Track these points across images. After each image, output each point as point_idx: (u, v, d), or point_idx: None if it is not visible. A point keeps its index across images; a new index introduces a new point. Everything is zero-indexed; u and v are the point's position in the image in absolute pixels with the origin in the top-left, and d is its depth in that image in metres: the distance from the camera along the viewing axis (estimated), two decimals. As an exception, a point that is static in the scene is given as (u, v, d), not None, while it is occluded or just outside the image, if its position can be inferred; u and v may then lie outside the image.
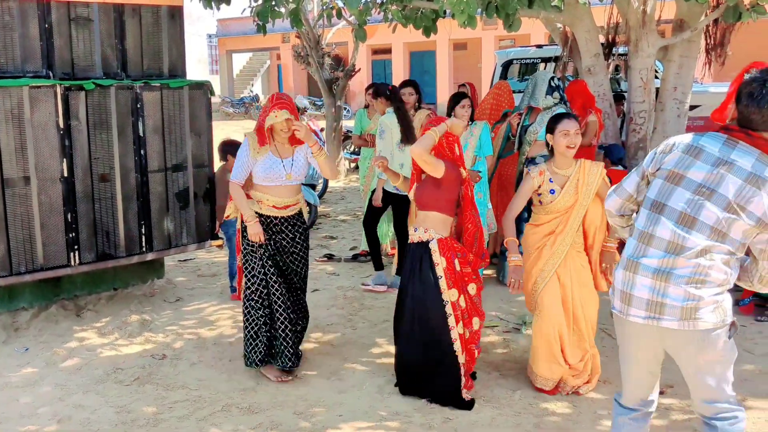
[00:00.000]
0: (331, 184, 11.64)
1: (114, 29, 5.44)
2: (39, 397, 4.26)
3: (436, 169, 3.94)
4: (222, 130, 21.36)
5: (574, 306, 4.02)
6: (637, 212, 2.86)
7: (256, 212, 4.40)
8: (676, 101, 6.85)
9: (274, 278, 4.40)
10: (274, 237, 4.45)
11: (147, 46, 5.64)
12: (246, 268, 4.46)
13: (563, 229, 4.01)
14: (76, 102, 5.17)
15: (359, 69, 13.55)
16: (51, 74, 5.12)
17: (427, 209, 4.11)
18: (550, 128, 4.02)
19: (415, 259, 4.11)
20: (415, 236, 4.15)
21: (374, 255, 6.43)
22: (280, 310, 4.41)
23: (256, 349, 4.42)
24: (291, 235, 4.50)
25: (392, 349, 4.78)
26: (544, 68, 12.06)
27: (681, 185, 2.59)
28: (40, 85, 4.99)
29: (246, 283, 4.46)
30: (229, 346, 5.00)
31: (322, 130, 12.41)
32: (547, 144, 4.06)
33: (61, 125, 5.11)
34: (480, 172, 5.87)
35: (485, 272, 6.45)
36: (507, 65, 12.69)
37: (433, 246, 4.04)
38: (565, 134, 3.94)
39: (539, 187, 4.06)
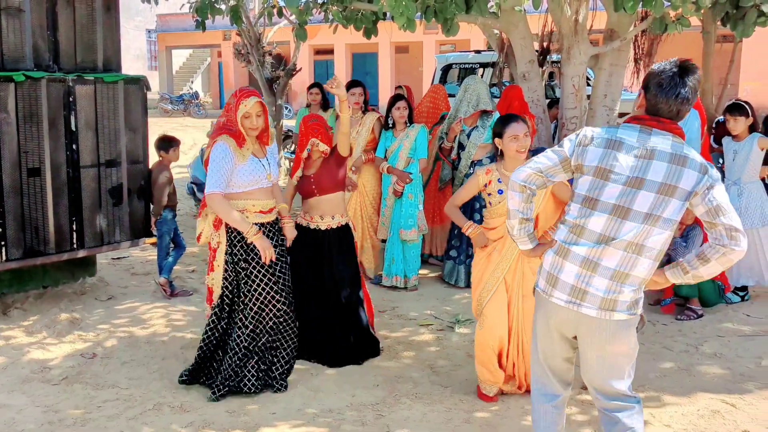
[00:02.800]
0: (270, 183, 11.58)
1: (46, 20, 5.33)
2: (-39, 397, 4.14)
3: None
4: (160, 127, 20.97)
5: (518, 316, 4.00)
6: (536, 194, 2.91)
7: None
8: (606, 108, 7.08)
9: (266, 295, 4.12)
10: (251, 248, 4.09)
11: (81, 38, 5.53)
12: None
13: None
14: (5, 94, 5.03)
15: (300, 68, 13.50)
16: (-22, 65, 4.98)
17: (331, 192, 4.59)
18: (498, 132, 3.98)
19: (334, 242, 4.63)
20: (333, 223, 4.63)
21: None
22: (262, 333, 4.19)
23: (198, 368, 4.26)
24: (276, 242, 4.20)
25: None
26: (482, 73, 12.31)
27: (610, 180, 2.69)
28: (-33, 76, 4.85)
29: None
30: (162, 345, 4.95)
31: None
32: (496, 148, 4.04)
33: (-11, 118, 4.97)
34: (411, 174, 5.96)
35: (421, 272, 6.54)
36: (446, 69, 12.89)
37: (350, 224, 4.75)
38: (515, 138, 3.91)
39: (486, 186, 4.04)
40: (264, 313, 4.15)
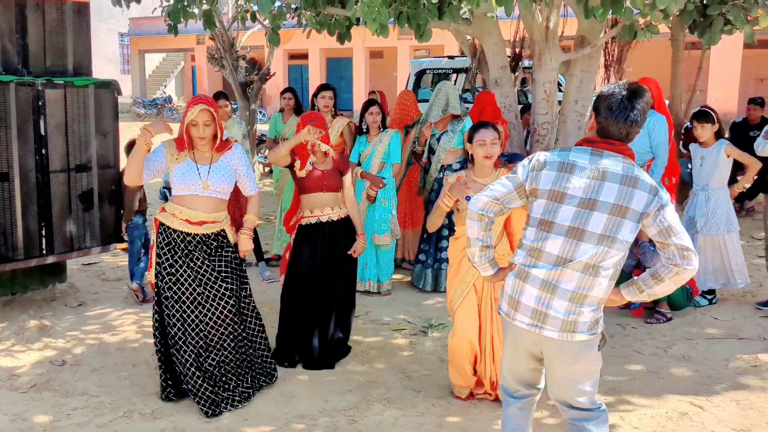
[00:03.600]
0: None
1: (15, 24, 5.25)
2: (-75, 406, 4.06)
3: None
4: (133, 132, 20.76)
5: (488, 321, 4.04)
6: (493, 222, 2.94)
7: (168, 226, 3.99)
8: (577, 114, 7.15)
9: (177, 306, 4.00)
10: (185, 258, 4.00)
11: (51, 42, 5.47)
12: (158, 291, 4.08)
13: None
14: (-28, 98, 4.97)
15: (274, 73, 13.48)
16: (-55, 68, 4.90)
17: (331, 190, 4.71)
18: (469, 137, 4.06)
19: (337, 234, 4.73)
20: (333, 214, 4.73)
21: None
22: (180, 342, 4.00)
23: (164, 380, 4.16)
24: (209, 257, 4.04)
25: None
26: (456, 78, 12.38)
27: (564, 202, 2.73)
28: (-67, 80, 4.77)
29: (154, 306, 4.15)
30: (133, 352, 4.90)
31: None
32: (467, 153, 4.11)
33: (-44, 122, 4.89)
34: (385, 178, 5.98)
35: (394, 276, 6.56)
36: (420, 75, 12.94)
37: (349, 219, 4.78)
38: (482, 144, 3.98)
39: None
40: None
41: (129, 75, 34.10)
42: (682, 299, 5.62)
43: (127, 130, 22.31)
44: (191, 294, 4.02)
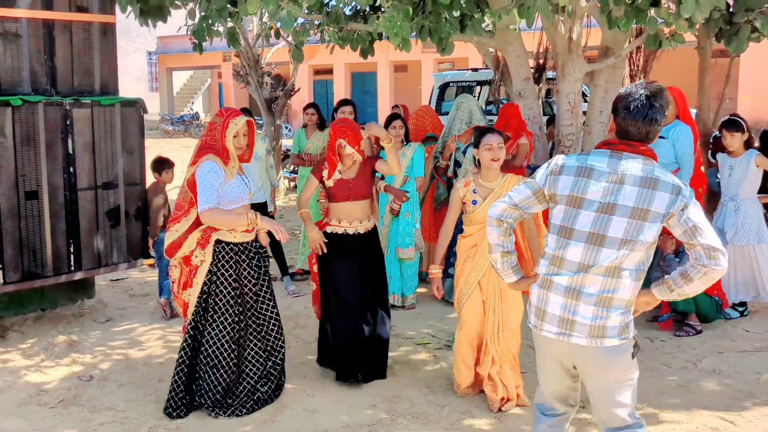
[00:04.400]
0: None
1: (44, 45, 5.36)
2: (-43, 422, 4.13)
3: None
4: (161, 148, 21.04)
5: (496, 317, 4.18)
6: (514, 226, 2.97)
7: (228, 241, 4.10)
8: (602, 124, 7.10)
9: (238, 310, 4.19)
10: (243, 264, 4.19)
11: (78, 62, 5.57)
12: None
13: (482, 242, 4.17)
14: (3, 118, 5.07)
15: (299, 89, 13.60)
16: (-24, 90, 5.02)
17: (364, 198, 4.62)
18: (476, 142, 4.23)
19: (362, 248, 4.63)
20: (360, 227, 4.64)
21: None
22: (231, 349, 4.19)
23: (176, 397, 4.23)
24: (256, 261, 4.26)
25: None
26: (480, 91, 12.37)
27: (583, 208, 2.70)
28: (-36, 101, 4.89)
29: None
30: (159, 367, 4.94)
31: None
32: (474, 158, 4.25)
33: (-14, 141, 5.00)
34: (408, 192, 5.97)
35: (419, 290, 6.54)
36: (444, 87, 12.96)
37: (375, 231, 4.73)
38: (489, 148, 4.12)
39: (464, 197, 4.26)
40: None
41: (157, 92, 34.61)
42: (712, 311, 5.51)
43: (155, 147, 22.68)
44: (243, 302, 4.21)
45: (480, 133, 4.22)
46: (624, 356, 2.72)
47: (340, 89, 29.49)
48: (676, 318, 5.53)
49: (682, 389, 4.42)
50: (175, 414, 4.13)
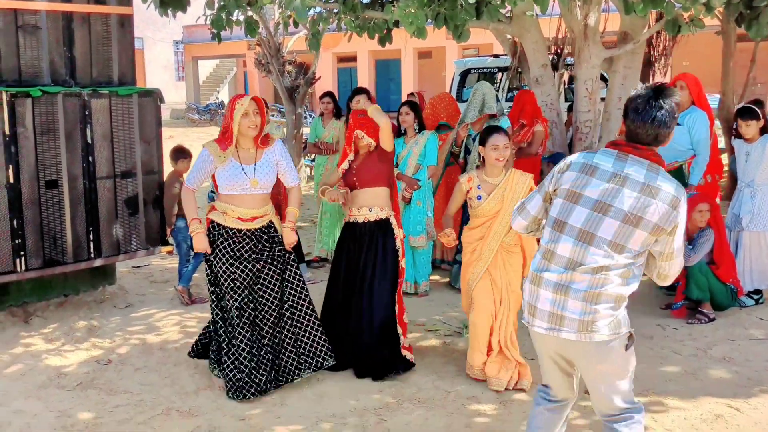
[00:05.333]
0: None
1: (63, 37, 5.48)
2: (-21, 403, 4.28)
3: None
4: (187, 137, 21.29)
5: (502, 303, 4.33)
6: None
7: (221, 224, 4.26)
8: (621, 111, 7.01)
9: (243, 294, 4.30)
10: (241, 250, 4.27)
11: (96, 54, 5.67)
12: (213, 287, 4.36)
13: (488, 235, 4.29)
14: (23, 109, 5.20)
15: (320, 77, 13.64)
16: (-3, 81, 5.15)
17: (371, 186, 4.62)
18: (482, 140, 4.31)
19: (373, 237, 4.61)
20: (370, 215, 4.62)
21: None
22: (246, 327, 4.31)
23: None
24: (259, 248, 4.32)
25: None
26: (501, 77, 12.31)
27: (579, 203, 2.73)
28: (-15, 92, 5.02)
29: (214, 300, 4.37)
30: (174, 352, 5.05)
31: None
32: (470, 151, 4.31)
33: (7, 132, 5.13)
34: (419, 180, 6.01)
35: (432, 277, 6.59)
36: (465, 74, 12.91)
37: (393, 221, 4.68)
38: (495, 148, 4.26)
39: (468, 192, 4.36)
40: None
41: (183, 82, 34.91)
42: (727, 299, 5.48)
43: (182, 135, 22.82)
44: (244, 285, 4.29)
45: (487, 131, 4.31)
46: (616, 350, 2.74)
47: (364, 77, 29.49)
48: (690, 306, 5.51)
49: (690, 376, 4.42)
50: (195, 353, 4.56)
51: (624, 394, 2.82)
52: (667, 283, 2.88)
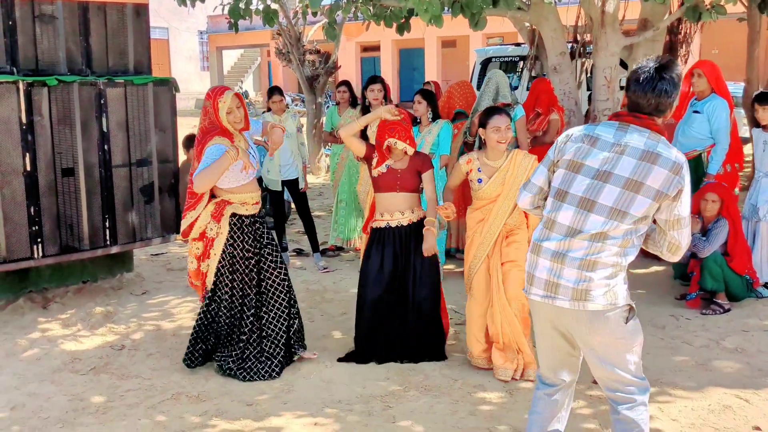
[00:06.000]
0: (310, 180, 11.76)
1: (79, 26, 5.54)
2: (-5, 386, 4.38)
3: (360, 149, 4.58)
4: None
5: (502, 290, 4.27)
6: None
7: (241, 214, 4.31)
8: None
9: (252, 281, 4.40)
10: (257, 236, 4.39)
11: (112, 43, 5.74)
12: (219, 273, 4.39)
13: (488, 217, 4.27)
14: (39, 98, 5.28)
15: (340, 66, 13.65)
16: (14, 70, 5.22)
17: (405, 191, 4.54)
18: (482, 123, 4.24)
19: (408, 239, 4.56)
20: (403, 219, 4.56)
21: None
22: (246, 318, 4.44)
23: (195, 351, 4.52)
24: (266, 232, 4.46)
25: (345, 340, 4.93)
26: (523, 66, 12.20)
27: (580, 173, 2.74)
28: (3, 81, 5.10)
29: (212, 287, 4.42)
30: (187, 338, 5.09)
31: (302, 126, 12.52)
32: (480, 137, 4.25)
33: (24, 120, 5.21)
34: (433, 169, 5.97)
35: (446, 266, 6.58)
36: (486, 63, 12.80)
37: (420, 224, 4.60)
38: (497, 130, 4.19)
39: (468, 174, 4.32)
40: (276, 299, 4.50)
41: (208, 72, 35.13)
42: (742, 290, 5.41)
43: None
44: (252, 274, 4.40)
45: (487, 113, 4.24)
46: (613, 321, 2.71)
47: (388, 66, 29.43)
48: (705, 296, 5.44)
49: (700, 367, 4.37)
50: (193, 363, 4.49)
51: (626, 368, 2.79)
52: (677, 257, 2.84)
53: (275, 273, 4.46)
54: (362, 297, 4.63)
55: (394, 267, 4.57)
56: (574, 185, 2.75)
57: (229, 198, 4.34)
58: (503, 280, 4.26)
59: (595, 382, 4.07)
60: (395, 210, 4.56)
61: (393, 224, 4.56)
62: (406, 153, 4.48)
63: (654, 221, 2.77)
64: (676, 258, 2.84)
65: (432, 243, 4.47)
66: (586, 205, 2.70)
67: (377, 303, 4.56)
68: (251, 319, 4.43)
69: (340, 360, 4.62)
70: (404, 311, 4.60)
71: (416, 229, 4.58)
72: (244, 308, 4.43)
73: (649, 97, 2.68)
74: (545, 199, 2.98)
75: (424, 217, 4.58)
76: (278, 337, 4.46)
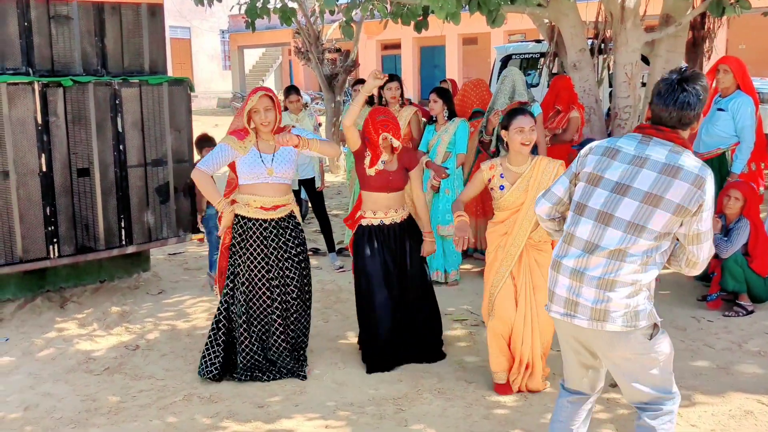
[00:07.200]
0: (329, 179, 11.74)
1: (94, 27, 5.55)
2: (10, 386, 4.39)
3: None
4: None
5: (527, 308, 4.00)
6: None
7: (243, 216, 4.27)
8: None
9: (258, 285, 4.30)
10: (264, 242, 4.28)
11: (127, 43, 5.74)
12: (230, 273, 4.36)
13: (512, 230, 4.00)
14: (55, 98, 5.29)
15: (359, 64, 13.60)
16: (30, 71, 5.24)
17: (396, 190, 4.49)
18: (505, 125, 3.98)
19: (402, 236, 4.53)
20: (396, 216, 4.52)
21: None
22: (255, 322, 4.35)
23: (212, 358, 4.38)
24: (283, 239, 4.32)
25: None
26: (544, 63, 12.07)
27: (599, 186, 2.68)
28: (18, 82, 5.12)
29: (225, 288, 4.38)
30: (201, 338, 5.09)
31: (320, 125, 12.50)
32: (502, 140, 4.05)
33: (40, 121, 5.23)
34: (448, 168, 5.91)
35: (465, 267, 6.51)
36: (506, 60, 12.70)
37: (411, 218, 4.61)
38: (520, 131, 3.90)
39: (490, 181, 4.06)
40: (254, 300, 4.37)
41: (230, 71, 35.29)
42: (764, 291, 5.27)
43: (228, 124, 23.09)
44: (263, 277, 4.30)
45: (509, 115, 3.97)
46: (635, 340, 2.63)
47: (408, 64, 29.34)
48: (726, 298, 5.31)
49: (721, 371, 4.26)
50: (210, 375, 4.33)
51: (651, 383, 2.71)
52: (696, 272, 2.75)
53: (286, 280, 4.36)
54: (370, 300, 4.48)
55: (394, 265, 4.53)
56: (592, 199, 2.68)
57: (236, 196, 4.34)
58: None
59: (612, 386, 4.00)
60: (388, 209, 4.52)
61: (387, 222, 4.51)
62: (395, 150, 4.43)
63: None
64: (695, 272, 2.75)
65: (431, 248, 4.54)
66: (603, 218, 2.64)
67: (388, 304, 4.47)
68: (261, 323, 4.36)
69: (369, 371, 4.45)
70: (406, 311, 4.56)
71: (407, 226, 4.58)
72: (251, 311, 4.34)
73: (671, 111, 2.60)
74: (563, 212, 2.94)
75: (410, 214, 4.62)
76: (285, 344, 4.38)
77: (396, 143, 4.37)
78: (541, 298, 3.93)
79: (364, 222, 4.55)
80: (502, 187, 4.01)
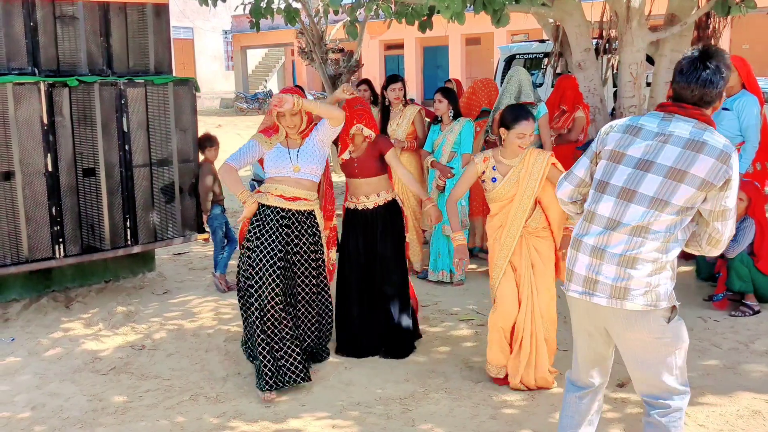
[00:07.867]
0: (334, 178, 11.73)
1: (99, 27, 5.55)
2: (17, 385, 4.40)
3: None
4: (235, 126, 21.56)
5: (529, 295, 4.07)
6: None
7: (263, 203, 4.28)
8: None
9: (274, 276, 4.17)
10: (280, 230, 4.25)
11: (133, 43, 5.74)
12: (243, 265, 4.31)
13: (506, 222, 4.07)
14: (60, 98, 5.30)
15: (363, 64, 13.59)
16: (36, 71, 5.24)
17: (372, 176, 4.62)
18: (506, 124, 3.99)
19: (385, 219, 4.66)
20: (379, 200, 4.66)
21: None
22: (273, 319, 4.21)
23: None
24: (299, 232, 4.31)
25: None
26: (549, 62, 12.05)
27: (622, 163, 2.68)
28: (24, 82, 5.12)
29: (242, 280, 4.33)
30: (207, 338, 5.11)
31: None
32: (499, 136, 4.09)
33: (45, 121, 5.24)
34: (453, 168, 5.90)
35: (471, 266, 6.51)
36: (510, 60, 12.69)
37: (398, 202, 4.76)
38: (521, 136, 3.95)
39: (483, 173, 4.11)
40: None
41: (233, 71, 35.29)
42: (771, 291, 5.26)
43: (231, 124, 23.00)
44: (273, 264, 4.18)
45: (515, 117, 3.97)
46: (651, 320, 2.62)
47: (412, 64, 29.32)
48: (733, 297, 5.30)
49: (728, 371, 4.25)
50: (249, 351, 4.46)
51: (666, 372, 2.68)
52: (716, 252, 2.74)
53: (304, 275, 4.37)
54: (343, 280, 4.76)
55: (365, 249, 4.69)
56: (615, 176, 2.68)
57: (260, 188, 4.42)
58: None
59: (619, 386, 4.00)
60: (361, 194, 4.68)
61: (359, 207, 4.69)
62: (367, 139, 4.56)
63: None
64: (716, 252, 2.73)
65: (436, 213, 4.55)
66: (626, 195, 2.63)
67: (356, 287, 4.70)
68: (275, 318, 4.24)
69: (338, 353, 4.69)
70: (373, 298, 4.68)
71: (383, 212, 4.68)
72: (267, 305, 4.22)
73: (692, 88, 2.60)
74: (585, 193, 2.92)
75: (393, 199, 4.71)
76: (300, 340, 4.34)
77: (368, 132, 4.52)
78: (543, 285, 4.06)
79: (347, 205, 4.79)
80: (494, 179, 4.08)
